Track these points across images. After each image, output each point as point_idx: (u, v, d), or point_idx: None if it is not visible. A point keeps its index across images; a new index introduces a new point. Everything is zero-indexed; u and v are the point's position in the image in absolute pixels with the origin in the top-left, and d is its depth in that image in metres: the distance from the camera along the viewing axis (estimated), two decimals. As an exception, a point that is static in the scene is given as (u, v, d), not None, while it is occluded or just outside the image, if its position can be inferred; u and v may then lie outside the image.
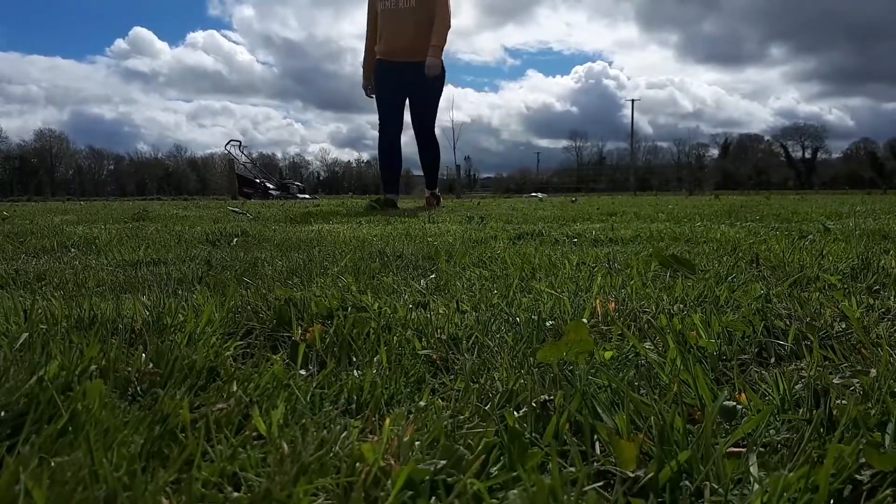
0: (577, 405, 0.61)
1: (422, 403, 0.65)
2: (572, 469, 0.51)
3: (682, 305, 1.11)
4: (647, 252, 1.88)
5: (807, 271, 1.43)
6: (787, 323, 0.95)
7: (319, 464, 0.50)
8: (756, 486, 0.48)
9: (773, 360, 0.83)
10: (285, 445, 0.52)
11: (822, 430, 0.58)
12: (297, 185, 21.39)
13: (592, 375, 0.72)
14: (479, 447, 0.52)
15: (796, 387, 0.69)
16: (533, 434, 0.58)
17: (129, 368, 0.72)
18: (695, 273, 1.44)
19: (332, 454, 0.52)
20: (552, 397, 0.64)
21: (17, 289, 1.34)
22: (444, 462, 0.50)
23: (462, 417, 0.61)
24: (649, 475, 0.50)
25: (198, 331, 0.91)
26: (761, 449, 0.55)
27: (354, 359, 0.83)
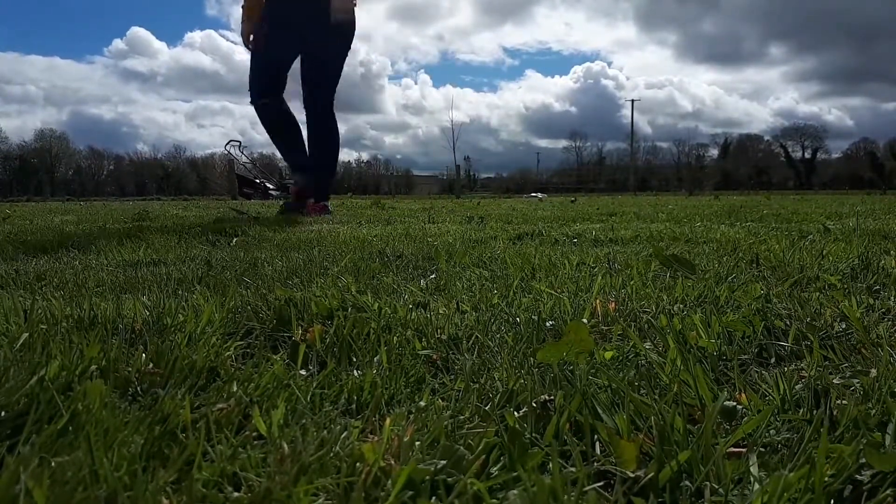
0: (577, 405, 0.61)
1: (422, 403, 0.65)
2: (573, 469, 0.51)
3: (682, 305, 1.11)
4: (647, 252, 1.88)
5: (807, 271, 1.43)
6: (788, 323, 0.95)
7: (320, 464, 0.50)
8: (756, 487, 0.48)
9: (773, 360, 0.83)
10: (285, 445, 0.52)
11: (822, 430, 0.58)
12: (298, 186, 21.37)
13: (593, 375, 0.73)
14: (480, 447, 0.52)
15: (796, 387, 0.69)
16: (533, 434, 0.58)
17: (130, 368, 0.72)
18: (695, 273, 1.44)
19: (332, 454, 0.52)
20: (552, 397, 0.64)
21: (18, 289, 1.34)
22: (444, 462, 0.50)
23: (462, 417, 0.61)
24: (649, 475, 0.50)
25: (198, 331, 0.91)
26: (762, 449, 0.55)
27: (354, 359, 0.83)
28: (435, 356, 0.83)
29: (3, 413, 0.58)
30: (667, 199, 12.30)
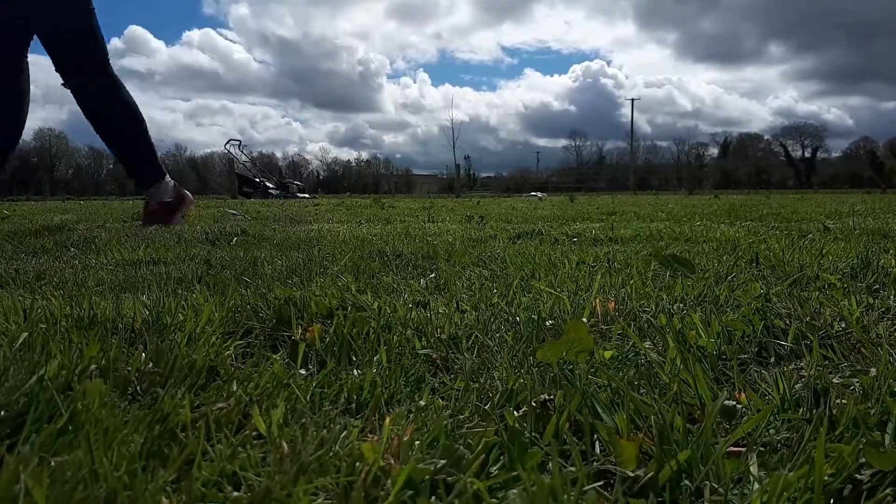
0: (576, 404, 0.61)
1: (422, 403, 0.65)
2: (572, 469, 0.51)
3: (681, 305, 1.11)
4: (646, 251, 1.88)
5: (806, 270, 1.43)
6: (787, 322, 0.95)
7: (319, 463, 0.50)
8: (756, 486, 0.48)
9: (772, 359, 0.83)
10: (285, 445, 0.52)
11: (821, 429, 0.58)
12: (297, 185, 21.41)
13: (592, 375, 0.73)
14: (479, 447, 0.52)
15: (796, 386, 0.69)
16: (533, 434, 0.58)
17: (129, 368, 0.72)
18: (694, 272, 1.44)
19: (331, 454, 0.52)
20: (552, 397, 0.64)
21: (17, 288, 1.34)
22: (444, 461, 0.50)
23: (462, 417, 0.61)
24: (649, 475, 0.50)
25: (198, 330, 0.91)
26: (761, 448, 0.55)
27: (354, 358, 0.83)
28: (435, 355, 0.83)
29: (2, 412, 0.58)
30: (667, 199, 12.31)
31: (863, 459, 0.51)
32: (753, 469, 0.50)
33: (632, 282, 1.30)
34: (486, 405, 0.65)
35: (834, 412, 0.61)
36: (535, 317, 0.99)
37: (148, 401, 0.65)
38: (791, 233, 2.59)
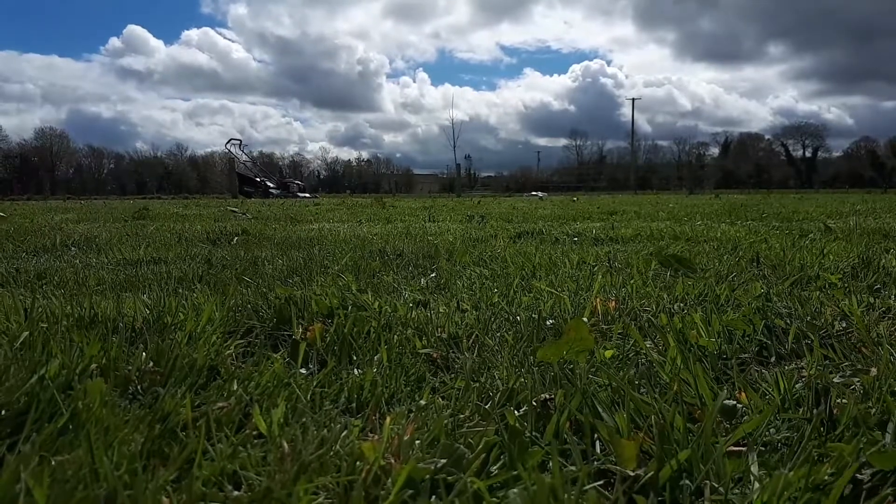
0: (577, 404, 0.61)
1: (422, 402, 0.65)
2: (573, 468, 0.51)
3: (682, 304, 1.11)
4: (647, 251, 1.88)
5: (807, 270, 1.43)
6: (788, 322, 0.95)
7: (320, 462, 0.50)
8: (756, 485, 0.48)
9: (773, 359, 0.83)
10: (286, 444, 0.52)
11: (822, 429, 0.58)
12: (298, 184, 21.43)
13: (593, 374, 0.73)
14: (480, 446, 0.52)
15: (797, 386, 0.69)
16: (533, 433, 0.58)
17: (130, 367, 0.72)
18: (695, 272, 1.44)
19: (332, 453, 0.52)
20: (552, 396, 0.64)
21: (18, 287, 1.34)
22: (444, 461, 0.50)
23: (462, 416, 0.61)
24: (650, 474, 0.50)
25: (198, 329, 0.91)
26: (762, 448, 0.55)
27: (355, 357, 0.83)
28: (435, 355, 0.83)
29: (3, 412, 0.58)
30: (667, 198, 12.30)
31: (863, 459, 0.51)
32: (754, 468, 0.50)
33: (632, 281, 1.30)
34: (486, 404, 0.65)
35: (834, 412, 0.61)
36: (536, 316, 0.99)
37: (148, 400, 0.65)
38: (792, 232, 2.59)
